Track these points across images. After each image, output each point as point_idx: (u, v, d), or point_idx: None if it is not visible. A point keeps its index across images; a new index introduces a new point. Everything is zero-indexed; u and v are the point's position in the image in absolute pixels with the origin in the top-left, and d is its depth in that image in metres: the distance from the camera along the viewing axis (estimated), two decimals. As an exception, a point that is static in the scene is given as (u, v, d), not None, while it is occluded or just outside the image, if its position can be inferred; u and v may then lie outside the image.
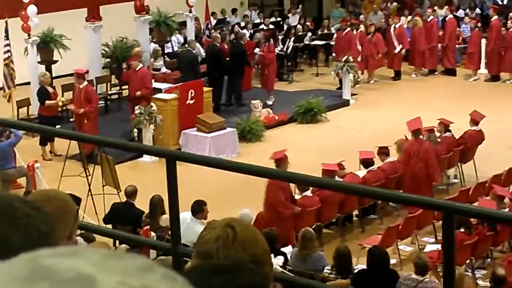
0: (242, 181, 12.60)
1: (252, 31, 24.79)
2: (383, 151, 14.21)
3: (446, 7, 25.64)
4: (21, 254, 1.07)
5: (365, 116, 19.48)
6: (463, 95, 20.99)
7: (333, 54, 23.95)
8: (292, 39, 24.03)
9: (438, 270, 10.21)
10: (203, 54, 21.27)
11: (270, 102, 20.18)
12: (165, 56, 21.71)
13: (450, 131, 15.33)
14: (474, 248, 11.37)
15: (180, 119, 17.01)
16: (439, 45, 23.79)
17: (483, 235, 11.48)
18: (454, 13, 25.70)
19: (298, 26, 25.61)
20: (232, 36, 22.35)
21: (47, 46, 19.47)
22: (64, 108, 18.28)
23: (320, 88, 21.75)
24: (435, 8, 25.67)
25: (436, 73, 23.82)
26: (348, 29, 23.27)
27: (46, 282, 0.99)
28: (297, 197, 12.71)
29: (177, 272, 1.10)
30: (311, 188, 12.50)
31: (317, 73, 23.91)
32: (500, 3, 27.57)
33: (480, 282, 11.36)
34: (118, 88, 20.90)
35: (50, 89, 17.45)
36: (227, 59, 19.85)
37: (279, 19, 27.52)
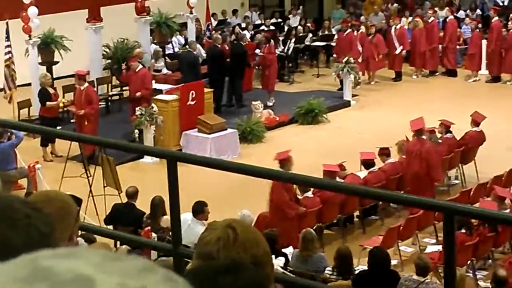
0: (243, 182, 12.60)
1: (252, 32, 24.79)
2: (384, 152, 14.22)
3: (447, 8, 25.64)
4: (21, 255, 1.07)
5: (366, 117, 19.48)
6: (464, 96, 21.00)
7: (334, 55, 23.97)
8: (293, 40, 24.03)
9: (439, 271, 10.20)
10: (204, 55, 21.28)
11: (270, 103, 20.18)
12: (166, 57, 21.72)
13: (451, 132, 15.33)
14: (475, 249, 11.36)
15: (181, 120, 17.02)
16: (440, 46, 23.79)
17: (484, 236, 11.48)
18: (455, 14, 25.72)
19: (299, 27, 25.60)
20: (233, 37, 22.36)
21: (48, 47, 19.47)
22: (65, 109, 18.28)
23: (321, 89, 21.76)
24: (436, 9, 25.66)
25: (437, 74, 23.82)
26: (349, 30, 23.27)
27: (45, 283, 0.99)
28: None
29: (178, 273, 1.09)
30: (312, 189, 12.50)
31: (318, 74, 23.91)
32: (501, 4, 27.56)
33: (481, 283, 11.35)
34: (119, 89, 20.91)
35: (51, 90, 17.47)
36: (228, 60, 19.86)
37: (279, 20, 27.52)
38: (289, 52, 23.89)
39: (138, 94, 17.52)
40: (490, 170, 14.45)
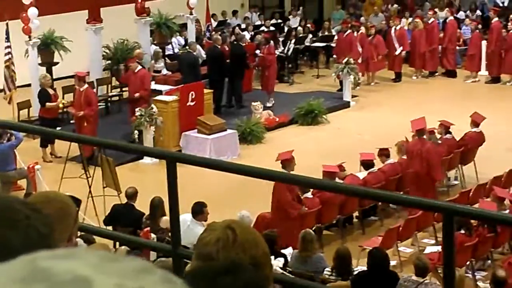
0: (242, 183, 12.61)
1: (252, 33, 24.78)
2: (384, 153, 14.22)
3: (447, 9, 25.65)
4: (20, 256, 1.07)
5: (366, 118, 19.48)
6: (463, 97, 21.01)
7: (334, 56, 23.97)
8: (293, 41, 24.03)
9: (439, 271, 10.20)
10: (204, 56, 21.28)
11: (270, 104, 20.18)
12: (166, 58, 21.71)
13: (450, 132, 15.34)
14: (474, 249, 11.37)
15: (181, 121, 17.01)
16: (440, 47, 23.79)
17: (484, 237, 11.48)
18: (455, 15, 25.71)
19: (299, 28, 25.60)
20: (233, 38, 22.36)
21: (47, 48, 19.47)
22: (64, 110, 18.28)
23: (321, 90, 21.76)
24: (436, 10, 25.65)
25: (437, 74, 23.82)
26: (349, 31, 23.27)
27: (44, 284, 0.99)
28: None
29: (177, 274, 1.10)
30: (311, 190, 12.51)
31: (317, 75, 23.90)
32: (501, 5, 27.56)
33: (480, 283, 11.36)
34: (118, 90, 20.90)
35: (51, 91, 17.46)
36: (228, 61, 19.86)
37: (279, 21, 27.51)
38: (289, 53, 23.89)
39: (137, 95, 17.54)
40: (489, 171, 14.45)
